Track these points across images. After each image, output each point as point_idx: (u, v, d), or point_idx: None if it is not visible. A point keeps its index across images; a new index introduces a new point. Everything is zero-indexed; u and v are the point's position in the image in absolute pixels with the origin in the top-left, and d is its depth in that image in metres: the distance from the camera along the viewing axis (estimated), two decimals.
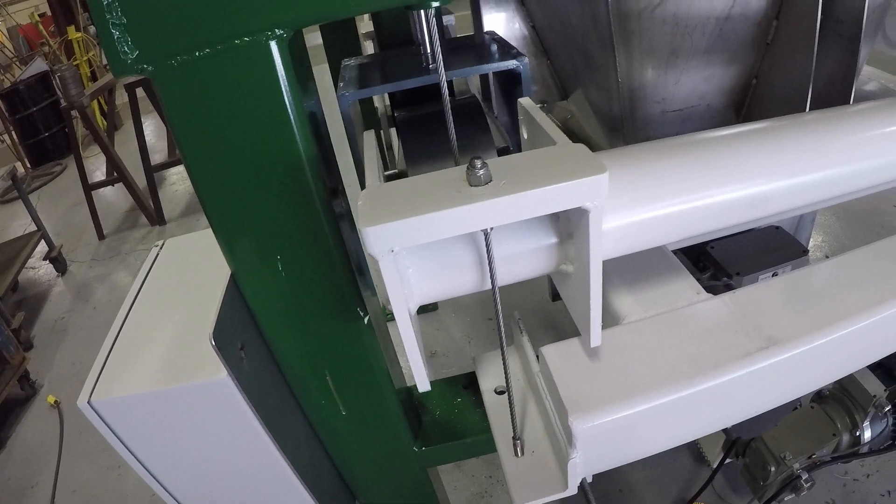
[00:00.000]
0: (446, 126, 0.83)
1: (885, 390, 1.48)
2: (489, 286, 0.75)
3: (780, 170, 0.81)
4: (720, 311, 0.89)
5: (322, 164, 0.81)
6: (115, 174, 4.67)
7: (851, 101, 1.26)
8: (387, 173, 1.01)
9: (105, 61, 6.95)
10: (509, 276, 0.78)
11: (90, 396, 0.79)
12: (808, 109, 1.24)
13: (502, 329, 0.80)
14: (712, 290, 0.98)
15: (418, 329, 0.78)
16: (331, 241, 0.82)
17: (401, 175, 0.99)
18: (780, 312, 0.88)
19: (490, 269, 0.71)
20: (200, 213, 4.45)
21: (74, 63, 6.58)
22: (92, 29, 7.32)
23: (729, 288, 1.10)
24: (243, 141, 0.70)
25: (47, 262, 4.38)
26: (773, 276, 1.25)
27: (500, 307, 0.76)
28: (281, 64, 0.67)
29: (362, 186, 0.93)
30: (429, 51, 0.94)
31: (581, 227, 0.67)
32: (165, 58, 0.64)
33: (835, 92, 1.26)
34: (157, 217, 4.78)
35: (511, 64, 0.95)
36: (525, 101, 0.85)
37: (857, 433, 1.49)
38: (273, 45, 0.65)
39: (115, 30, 0.62)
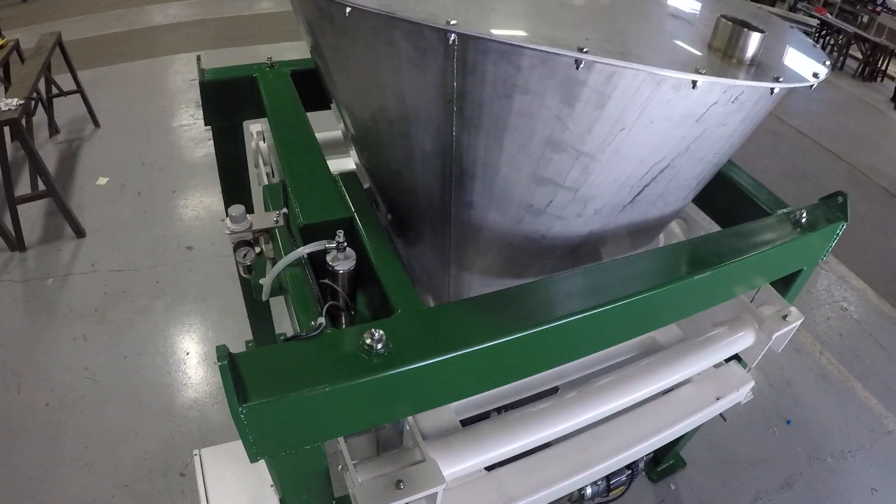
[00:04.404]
0: None
1: None
2: None
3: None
4: (488, 482, 2.08)
5: None
6: None
7: None
8: None
9: None
10: None
11: None
12: None
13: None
14: None
15: None
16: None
17: None
18: (517, 481, 2.08)
19: None
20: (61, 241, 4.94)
21: None
22: None
23: None
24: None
25: None
26: None
27: None
28: None
29: None
30: None
31: None
32: (278, 453, 1.62)
33: None
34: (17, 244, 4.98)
35: None
36: None
37: (582, 492, 2.55)
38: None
39: (254, 447, 1.59)
